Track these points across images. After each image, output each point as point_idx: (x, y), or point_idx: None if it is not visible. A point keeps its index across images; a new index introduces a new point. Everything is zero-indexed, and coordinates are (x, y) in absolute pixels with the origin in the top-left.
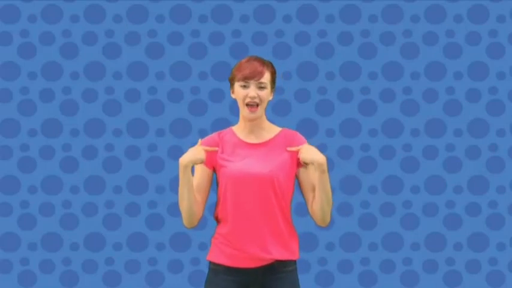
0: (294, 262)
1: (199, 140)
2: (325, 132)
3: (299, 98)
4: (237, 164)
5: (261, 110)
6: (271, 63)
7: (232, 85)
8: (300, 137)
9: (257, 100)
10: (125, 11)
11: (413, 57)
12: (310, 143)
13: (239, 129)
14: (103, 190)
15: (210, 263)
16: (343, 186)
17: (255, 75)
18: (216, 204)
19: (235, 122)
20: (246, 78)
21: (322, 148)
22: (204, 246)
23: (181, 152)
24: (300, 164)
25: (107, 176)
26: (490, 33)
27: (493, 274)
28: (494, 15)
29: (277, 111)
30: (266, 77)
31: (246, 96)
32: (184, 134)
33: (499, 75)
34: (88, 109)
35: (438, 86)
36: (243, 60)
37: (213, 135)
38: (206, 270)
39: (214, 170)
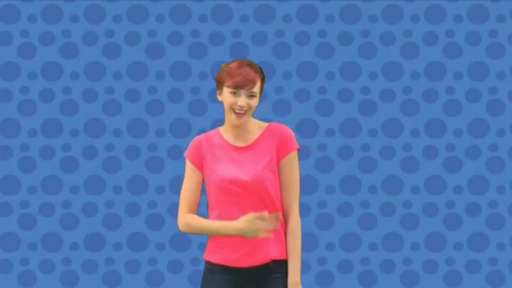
0: None
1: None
2: (325, 132)
3: (299, 98)
4: (225, 170)
5: (247, 117)
6: (261, 69)
7: (220, 87)
8: (284, 130)
9: (246, 108)
10: (125, 11)
11: (413, 57)
12: (310, 143)
13: (226, 132)
14: (103, 190)
15: (206, 262)
16: (343, 186)
17: (247, 85)
18: (208, 207)
19: None
20: (238, 87)
21: (322, 148)
22: (203, 246)
23: (181, 152)
24: (278, 159)
25: (107, 176)
26: (490, 33)
27: (493, 274)
28: (494, 15)
29: (277, 111)
30: (257, 86)
31: (235, 104)
32: (184, 134)
33: (499, 75)
34: (88, 109)
35: (438, 86)
36: (233, 65)
37: (200, 139)
38: None
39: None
